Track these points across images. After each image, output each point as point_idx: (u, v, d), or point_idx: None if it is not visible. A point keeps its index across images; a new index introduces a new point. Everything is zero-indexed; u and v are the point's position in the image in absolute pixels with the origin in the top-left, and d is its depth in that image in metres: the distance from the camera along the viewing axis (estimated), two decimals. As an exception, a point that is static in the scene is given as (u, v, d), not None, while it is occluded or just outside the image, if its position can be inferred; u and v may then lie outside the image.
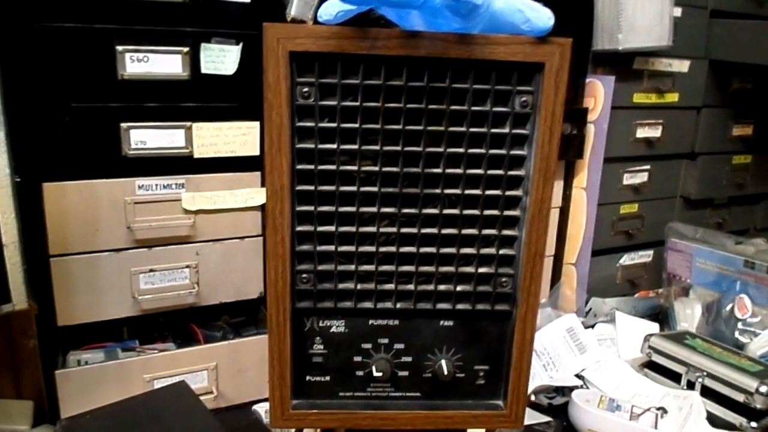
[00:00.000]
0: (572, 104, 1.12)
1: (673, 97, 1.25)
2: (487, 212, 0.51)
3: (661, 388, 1.01)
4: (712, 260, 1.21)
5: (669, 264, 1.29)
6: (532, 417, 0.95)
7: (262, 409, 0.88)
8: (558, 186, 1.16)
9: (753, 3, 1.30)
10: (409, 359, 0.56)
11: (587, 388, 1.03)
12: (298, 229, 0.50)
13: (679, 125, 1.30)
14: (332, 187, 0.49)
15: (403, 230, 0.51)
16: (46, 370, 0.85)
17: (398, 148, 0.49)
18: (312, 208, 0.50)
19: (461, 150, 0.49)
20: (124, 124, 0.82)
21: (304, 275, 0.52)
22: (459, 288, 0.54)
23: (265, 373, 0.98)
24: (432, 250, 0.52)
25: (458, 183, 0.50)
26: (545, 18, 0.46)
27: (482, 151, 0.49)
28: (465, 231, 0.52)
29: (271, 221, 0.50)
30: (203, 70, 0.85)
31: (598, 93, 1.13)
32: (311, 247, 0.51)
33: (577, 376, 1.05)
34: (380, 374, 0.55)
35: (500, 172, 0.50)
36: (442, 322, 0.56)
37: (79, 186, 0.82)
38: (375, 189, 0.50)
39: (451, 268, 0.53)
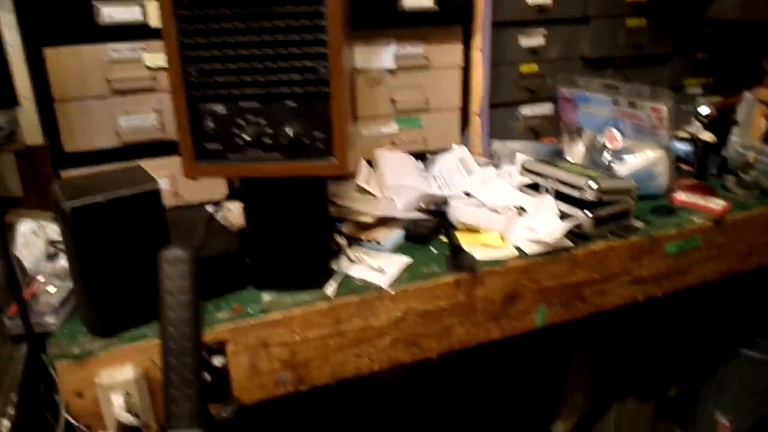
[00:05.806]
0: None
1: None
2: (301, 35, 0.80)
3: (528, 197, 1.29)
4: (592, 104, 1.45)
5: (560, 111, 1.54)
6: (419, 216, 1.25)
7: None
8: (459, 48, 1.41)
9: None
10: (270, 131, 0.87)
11: (472, 199, 1.31)
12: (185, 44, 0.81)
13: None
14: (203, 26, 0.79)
15: (251, 47, 0.81)
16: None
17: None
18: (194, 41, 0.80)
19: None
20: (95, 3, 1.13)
21: (192, 73, 0.83)
22: (293, 77, 0.84)
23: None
24: (272, 51, 0.82)
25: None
26: None
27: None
28: (290, 37, 0.81)
29: (167, 46, 0.80)
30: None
31: (484, -36, 1.35)
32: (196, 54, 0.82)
33: (466, 193, 1.34)
34: (250, 139, 0.86)
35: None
36: (288, 103, 0.86)
37: (70, 50, 1.14)
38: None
39: (286, 64, 0.83)
